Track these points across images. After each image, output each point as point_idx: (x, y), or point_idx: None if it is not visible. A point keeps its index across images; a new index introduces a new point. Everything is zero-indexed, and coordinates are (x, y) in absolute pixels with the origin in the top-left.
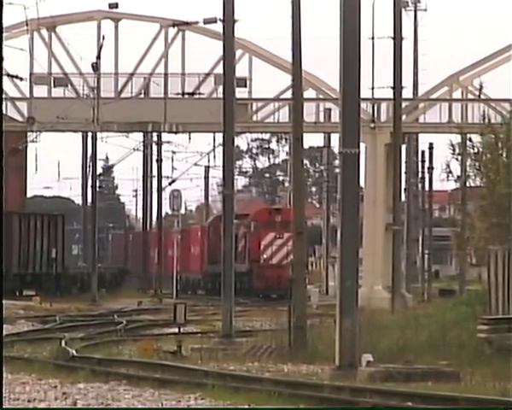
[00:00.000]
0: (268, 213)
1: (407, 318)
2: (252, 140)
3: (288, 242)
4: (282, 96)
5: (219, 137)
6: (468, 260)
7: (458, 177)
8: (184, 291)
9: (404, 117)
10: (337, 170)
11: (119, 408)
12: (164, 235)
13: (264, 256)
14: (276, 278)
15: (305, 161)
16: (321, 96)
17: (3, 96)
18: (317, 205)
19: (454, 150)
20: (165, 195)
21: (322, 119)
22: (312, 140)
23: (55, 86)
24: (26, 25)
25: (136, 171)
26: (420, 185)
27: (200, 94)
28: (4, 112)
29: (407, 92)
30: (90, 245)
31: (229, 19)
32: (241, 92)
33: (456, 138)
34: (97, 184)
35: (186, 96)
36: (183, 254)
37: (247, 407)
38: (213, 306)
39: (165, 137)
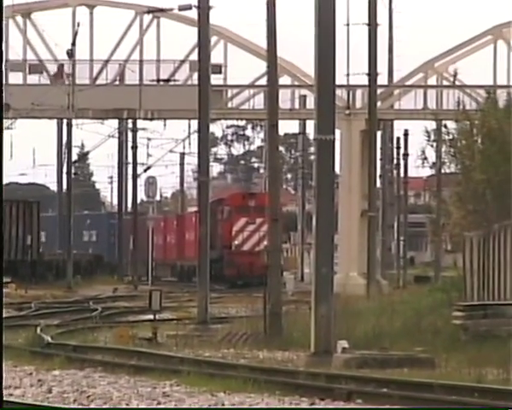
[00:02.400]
0: (241, 198)
1: (382, 304)
2: (227, 127)
3: (261, 227)
4: (257, 83)
5: (194, 123)
6: (444, 247)
7: (433, 163)
8: (181, 279)
9: (379, 104)
10: (312, 157)
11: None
12: (158, 221)
13: (236, 243)
14: (247, 265)
15: (281, 148)
16: (296, 83)
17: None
18: (293, 192)
19: (429, 137)
20: (141, 181)
21: (297, 105)
22: (288, 127)
23: (30, 73)
24: (1, 11)
25: (111, 157)
26: (395, 172)
27: (175, 81)
28: None
29: (382, 79)
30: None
31: (204, 5)
32: (216, 79)
33: (432, 125)
34: (72, 171)
35: (161, 82)
36: (178, 241)
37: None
38: (189, 292)
39: (140, 123)
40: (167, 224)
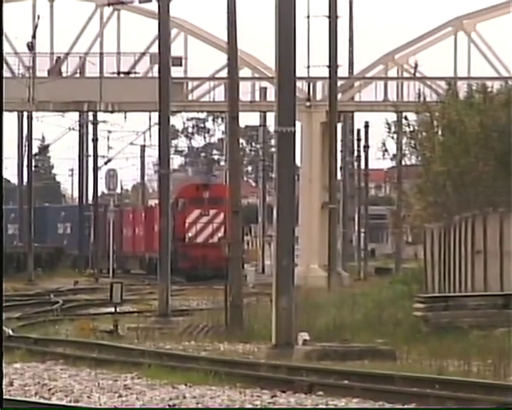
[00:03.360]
0: (195, 190)
1: (343, 296)
2: (187, 119)
3: (215, 219)
4: (217, 76)
5: (155, 116)
6: (405, 239)
7: (394, 155)
8: (150, 272)
9: (339, 96)
10: (273, 149)
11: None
12: (125, 213)
13: (189, 235)
14: (201, 258)
15: (241, 140)
16: (256, 75)
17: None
18: (254, 184)
19: (390, 129)
20: (101, 174)
21: (257, 98)
22: (248, 119)
23: None
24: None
25: (72, 150)
26: (356, 164)
27: (135, 73)
28: None
29: (343, 71)
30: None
31: None
32: (176, 71)
33: (392, 117)
34: (33, 164)
35: (122, 75)
36: (146, 233)
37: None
38: (150, 285)
39: (100, 116)
40: (135, 216)
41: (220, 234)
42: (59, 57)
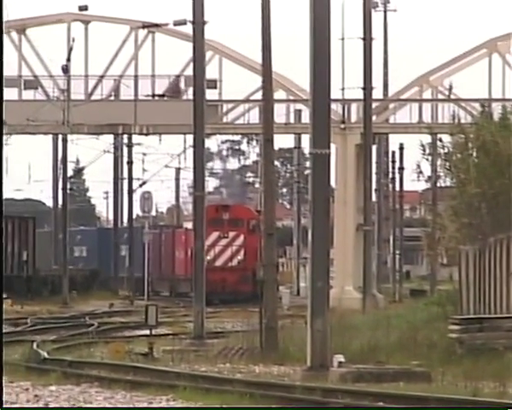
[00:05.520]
0: (214, 211)
1: (378, 318)
2: (222, 142)
3: (234, 241)
4: (252, 98)
5: (190, 138)
6: (439, 261)
7: (429, 177)
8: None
9: (374, 117)
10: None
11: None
12: (169, 234)
13: (208, 258)
14: (219, 282)
15: (276, 163)
16: (291, 98)
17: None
18: (288, 206)
19: (424, 150)
20: (136, 196)
21: (292, 120)
22: (283, 141)
23: (25, 89)
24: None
25: (106, 173)
26: (390, 186)
27: (170, 96)
28: None
29: (377, 93)
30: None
31: (198, 20)
32: (211, 94)
33: (427, 138)
34: (68, 187)
35: (156, 97)
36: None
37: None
38: (184, 307)
39: (135, 138)
40: (176, 238)
41: (240, 257)
42: (177, 76)
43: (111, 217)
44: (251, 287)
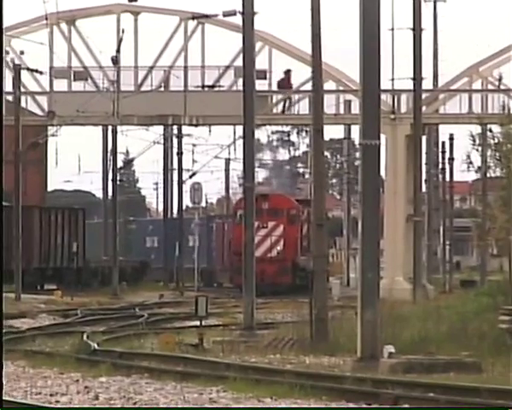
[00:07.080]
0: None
1: (428, 309)
2: (272, 132)
3: (273, 232)
4: (302, 88)
5: (240, 129)
6: (490, 251)
7: (479, 167)
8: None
9: (424, 108)
10: (357, 162)
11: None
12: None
13: None
14: (258, 274)
15: (326, 153)
16: (341, 88)
17: (22, 90)
18: (338, 197)
19: (474, 141)
20: (186, 187)
21: (342, 110)
22: (333, 132)
23: (74, 80)
24: (46, 19)
25: (156, 164)
26: (440, 176)
27: (220, 87)
28: (24, 106)
29: (427, 83)
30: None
31: (248, 11)
32: (261, 85)
33: (477, 129)
34: (118, 178)
35: (206, 88)
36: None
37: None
38: (234, 298)
39: (185, 129)
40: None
41: (279, 247)
42: (288, 70)
43: (161, 208)
44: (290, 278)
